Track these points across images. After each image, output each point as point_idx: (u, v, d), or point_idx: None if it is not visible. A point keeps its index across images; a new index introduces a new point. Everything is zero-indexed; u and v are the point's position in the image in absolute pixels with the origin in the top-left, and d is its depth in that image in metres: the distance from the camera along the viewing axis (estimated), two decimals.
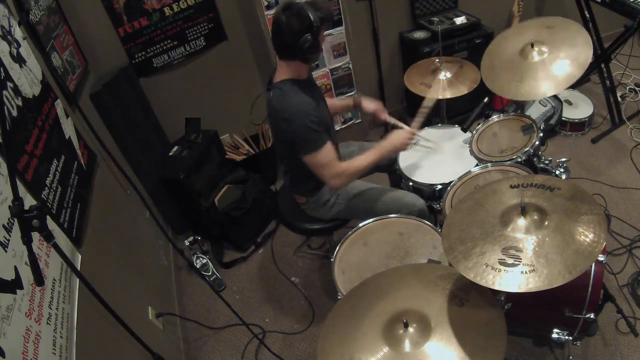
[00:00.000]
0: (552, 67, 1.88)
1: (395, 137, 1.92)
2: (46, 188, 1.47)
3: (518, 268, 1.11)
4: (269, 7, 2.64)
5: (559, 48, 1.90)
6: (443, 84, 2.32)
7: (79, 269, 1.50)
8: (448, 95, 2.28)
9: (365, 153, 1.89)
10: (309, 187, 2.00)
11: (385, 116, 2.14)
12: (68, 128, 1.86)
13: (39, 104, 1.64)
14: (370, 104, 2.15)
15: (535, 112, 3.00)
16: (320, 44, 1.73)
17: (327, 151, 1.77)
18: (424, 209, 1.97)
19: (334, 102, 2.23)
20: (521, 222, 1.22)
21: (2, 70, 1.42)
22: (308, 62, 1.76)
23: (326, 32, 2.81)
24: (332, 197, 2.03)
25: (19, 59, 1.60)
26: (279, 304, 2.48)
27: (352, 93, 3.14)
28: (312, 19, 1.63)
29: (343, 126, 3.21)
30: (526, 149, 1.96)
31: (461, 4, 3.26)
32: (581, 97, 3.15)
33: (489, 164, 1.99)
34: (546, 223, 1.20)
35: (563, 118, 3.03)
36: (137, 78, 2.79)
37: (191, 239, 2.71)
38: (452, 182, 1.97)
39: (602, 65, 2.97)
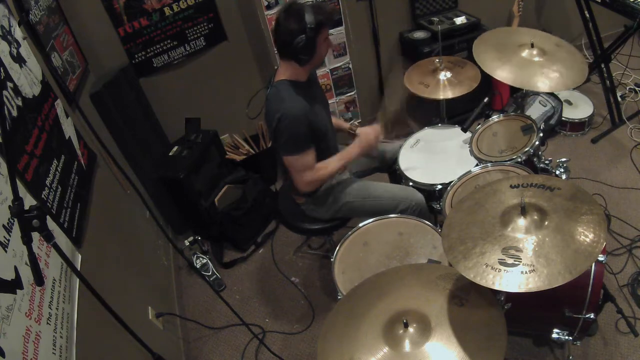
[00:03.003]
0: (538, 70, 1.90)
1: (365, 136, 1.94)
2: (46, 188, 1.47)
3: (518, 268, 1.11)
4: (269, 7, 2.64)
5: (554, 62, 1.92)
6: (443, 83, 2.33)
7: (79, 269, 1.50)
8: (449, 95, 2.28)
9: (336, 157, 1.91)
10: None
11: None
12: (68, 128, 1.86)
13: (39, 104, 1.64)
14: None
15: (535, 112, 3.00)
16: (316, 47, 1.73)
17: (308, 158, 1.79)
18: (423, 203, 1.98)
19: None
20: (521, 222, 1.22)
21: (2, 70, 1.42)
22: (301, 63, 1.76)
23: None
24: (331, 198, 2.03)
25: (19, 59, 1.60)
26: (279, 304, 2.48)
27: (352, 93, 3.14)
28: (307, 20, 1.64)
29: None
30: (526, 149, 1.96)
31: (461, 4, 3.26)
32: (581, 97, 3.15)
33: (489, 164, 1.99)
34: (546, 223, 1.20)
35: (563, 118, 3.03)
36: (137, 78, 2.79)
37: (191, 239, 2.71)
38: (452, 182, 1.97)
39: (602, 65, 2.97)
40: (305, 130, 1.75)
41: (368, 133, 1.96)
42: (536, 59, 1.95)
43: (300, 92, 1.78)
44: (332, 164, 1.89)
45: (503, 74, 1.91)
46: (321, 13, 1.68)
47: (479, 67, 2.03)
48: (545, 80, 1.86)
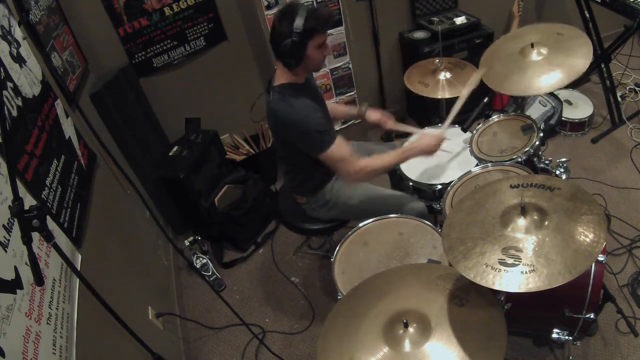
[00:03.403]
0: (542, 71, 1.89)
1: (424, 143, 1.85)
2: (46, 188, 1.47)
3: (518, 268, 1.11)
4: (269, 7, 2.64)
5: (556, 55, 1.91)
6: (443, 83, 2.33)
7: (79, 269, 1.50)
8: (448, 95, 2.28)
9: (388, 154, 1.86)
10: (309, 188, 2.01)
11: (391, 124, 2.13)
12: (68, 128, 1.86)
13: (39, 104, 1.64)
14: (374, 114, 2.15)
15: (535, 112, 3.00)
16: (304, 52, 1.68)
17: (340, 146, 1.76)
18: (424, 212, 1.97)
19: (336, 107, 2.22)
20: (521, 222, 1.22)
21: (2, 70, 1.42)
22: (289, 67, 1.73)
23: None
24: (332, 198, 2.03)
25: (19, 59, 1.60)
26: (279, 304, 2.48)
27: (352, 93, 3.14)
28: (295, 24, 1.61)
29: (343, 126, 3.21)
30: (526, 149, 1.97)
31: (461, 4, 3.26)
32: (581, 97, 3.15)
33: (489, 164, 1.99)
34: (546, 223, 1.20)
35: (563, 118, 3.03)
36: (137, 78, 2.79)
37: (191, 239, 2.71)
38: (452, 182, 1.97)
39: (602, 65, 2.97)
40: (323, 124, 1.75)
41: (431, 138, 1.86)
42: (540, 57, 1.94)
43: (303, 94, 1.78)
44: (382, 160, 1.83)
45: (520, 88, 1.91)
46: (315, 18, 1.64)
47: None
48: (550, 79, 1.86)
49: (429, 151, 1.86)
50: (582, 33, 1.96)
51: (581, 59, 1.83)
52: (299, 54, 1.68)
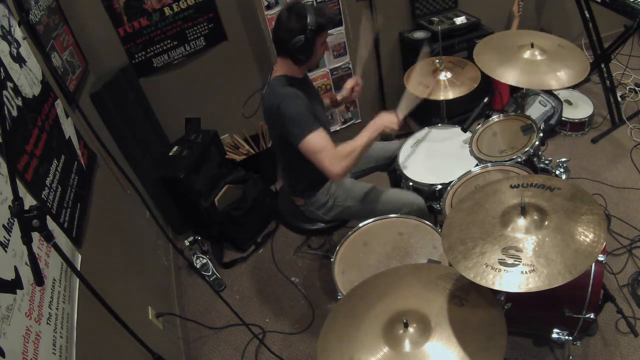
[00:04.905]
0: (536, 68, 1.91)
1: (384, 117, 1.83)
2: (46, 188, 1.47)
3: (518, 268, 1.11)
4: (269, 7, 2.64)
5: (554, 61, 1.93)
6: (443, 83, 2.33)
7: (79, 269, 1.50)
8: (449, 95, 2.28)
9: (357, 137, 1.79)
10: (304, 187, 2.00)
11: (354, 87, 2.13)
12: (68, 128, 1.86)
13: (39, 104, 1.64)
14: (346, 85, 2.15)
15: (535, 112, 3.00)
16: (314, 49, 1.73)
17: (321, 135, 1.69)
18: (424, 208, 1.97)
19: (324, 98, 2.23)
20: (521, 222, 1.22)
21: (2, 70, 1.42)
22: (298, 63, 1.76)
23: None
24: (330, 200, 2.02)
25: (19, 59, 1.60)
26: (279, 304, 2.48)
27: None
28: (307, 21, 1.65)
29: (343, 126, 3.21)
30: (526, 149, 1.96)
31: (461, 4, 3.26)
32: (581, 97, 3.15)
33: (489, 164, 1.99)
34: (546, 223, 1.20)
35: (563, 118, 3.03)
36: (137, 78, 2.79)
37: (191, 239, 2.71)
38: (452, 182, 1.97)
39: (602, 65, 2.97)
40: (308, 109, 1.71)
41: (389, 114, 1.85)
42: (538, 58, 1.95)
43: (297, 87, 1.78)
44: (354, 141, 1.75)
45: (509, 76, 1.92)
46: (322, 16, 1.69)
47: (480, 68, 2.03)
48: (551, 79, 1.87)
49: (390, 125, 1.82)
50: (581, 52, 1.99)
51: (577, 73, 1.87)
52: (310, 49, 1.72)
